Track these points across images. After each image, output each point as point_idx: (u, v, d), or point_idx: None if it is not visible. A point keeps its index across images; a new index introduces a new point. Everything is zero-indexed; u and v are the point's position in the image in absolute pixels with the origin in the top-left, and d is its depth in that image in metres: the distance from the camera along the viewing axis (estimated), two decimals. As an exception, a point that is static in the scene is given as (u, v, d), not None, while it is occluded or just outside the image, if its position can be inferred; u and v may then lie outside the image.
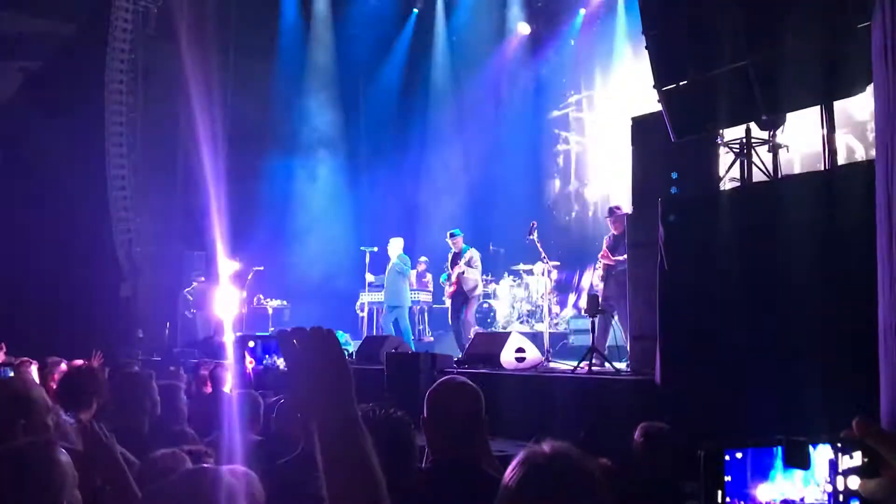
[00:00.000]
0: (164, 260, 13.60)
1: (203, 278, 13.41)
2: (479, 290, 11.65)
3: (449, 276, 11.35)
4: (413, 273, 13.18)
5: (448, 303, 11.51)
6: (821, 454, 1.09)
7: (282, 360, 1.41)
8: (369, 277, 12.92)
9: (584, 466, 1.54)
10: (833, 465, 1.09)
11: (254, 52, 15.32)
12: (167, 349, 12.36)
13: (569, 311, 13.00)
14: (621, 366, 7.48)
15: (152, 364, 9.54)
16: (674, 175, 6.21)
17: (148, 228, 13.58)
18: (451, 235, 11.51)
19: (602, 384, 6.76)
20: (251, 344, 7.93)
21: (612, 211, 9.23)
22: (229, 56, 14.79)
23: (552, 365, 8.39)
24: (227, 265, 12.98)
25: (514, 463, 1.55)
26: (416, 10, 17.07)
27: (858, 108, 9.38)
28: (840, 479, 1.08)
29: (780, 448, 1.08)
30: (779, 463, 1.08)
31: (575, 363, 7.78)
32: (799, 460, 1.07)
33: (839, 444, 1.08)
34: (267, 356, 7.11)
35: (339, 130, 16.13)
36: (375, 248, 12.87)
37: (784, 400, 4.63)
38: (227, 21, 14.50)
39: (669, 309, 5.98)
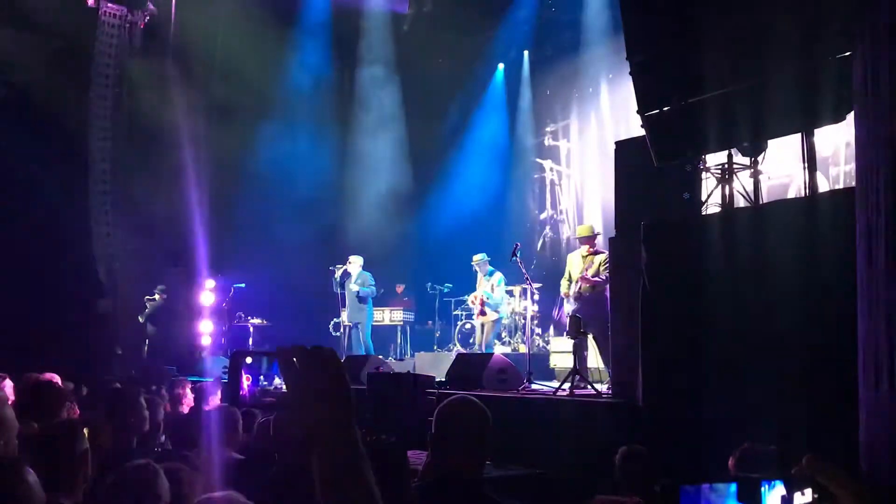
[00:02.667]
0: (144, 276, 13.49)
1: (165, 295, 13.32)
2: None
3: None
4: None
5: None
6: (774, 491, 1.11)
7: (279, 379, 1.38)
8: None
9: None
10: (785, 501, 1.11)
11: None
12: (144, 366, 12.23)
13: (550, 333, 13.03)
14: (603, 388, 7.50)
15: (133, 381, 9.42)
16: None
17: (129, 244, 13.47)
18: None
19: (583, 406, 6.77)
20: (248, 360, 7.71)
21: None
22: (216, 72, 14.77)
23: (534, 387, 8.39)
24: (207, 286, 12.96)
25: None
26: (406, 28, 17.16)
27: (822, 144, 9.56)
28: None
29: (734, 485, 1.11)
30: (732, 500, 1.10)
31: (556, 385, 7.79)
32: (750, 497, 1.10)
33: (791, 481, 1.10)
34: (262, 377, 6.98)
35: (321, 148, 16.12)
36: (343, 267, 12.85)
37: (766, 422, 4.66)
38: (215, 37, 14.49)
39: (651, 331, 6.02)
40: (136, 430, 4.13)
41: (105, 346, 12.70)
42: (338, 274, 12.66)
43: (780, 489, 1.12)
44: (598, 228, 10.24)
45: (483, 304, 11.56)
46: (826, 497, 1.05)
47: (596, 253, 9.07)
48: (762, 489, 1.11)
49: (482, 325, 11.76)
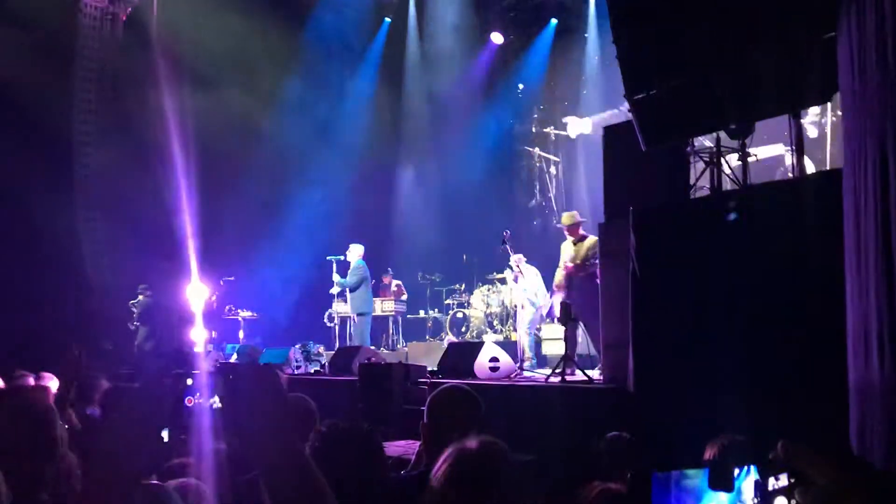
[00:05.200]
0: (132, 271, 13.41)
1: (150, 292, 13.25)
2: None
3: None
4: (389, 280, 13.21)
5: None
6: (749, 478, 1.10)
7: (217, 399, 1.33)
8: (336, 278, 12.87)
9: (508, 459, 1.62)
10: (759, 486, 1.09)
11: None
12: (136, 361, 12.18)
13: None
14: (594, 373, 7.50)
15: (123, 377, 9.36)
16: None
17: (117, 238, 13.38)
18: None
19: (575, 393, 6.77)
20: (189, 382, 7.19)
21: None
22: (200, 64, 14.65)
23: (526, 374, 8.39)
24: (196, 287, 12.88)
25: (443, 457, 1.59)
26: (387, 20, 17.08)
27: (809, 126, 9.58)
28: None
29: (705, 471, 1.09)
30: (704, 484, 1.09)
31: (548, 371, 7.78)
32: (723, 483, 1.08)
33: (765, 467, 1.09)
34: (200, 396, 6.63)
35: (313, 139, 16.04)
36: (342, 257, 12.86)
37: (756, 406, 4.65)
38: (200, 27, 14.36)
39: (641, 316, 6.01)
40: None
41: (95, 340, 12.63)
42: (335, 266, 12.66)
43: (753, 475, 1.10)
44: (587, 215, 10.21)
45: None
46: (802, 482, 1.03)
47: (582, 239, 9.06)
48: (735, 474, 1.09)
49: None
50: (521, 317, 10.49)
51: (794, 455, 1.04)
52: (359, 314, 12.30)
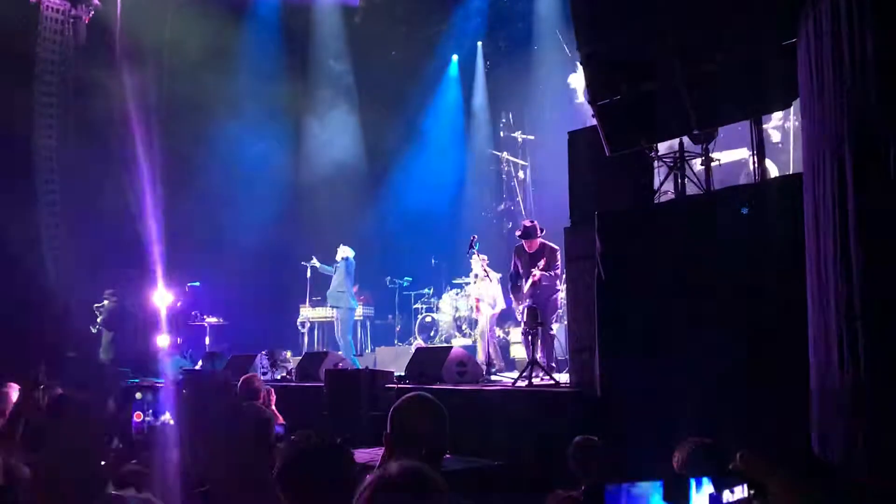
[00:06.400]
0: (96, 276, 13.19)
1: (115, 297, 13.05)
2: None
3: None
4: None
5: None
6: (703, 489, 1.09)
7: (168, 415, 1.31)
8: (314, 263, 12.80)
9: (433, 481, 1.60)
10: (714, 499, 1.09)
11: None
12: (98, 369, 11.98)
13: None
14: (562, 377, 7.52)
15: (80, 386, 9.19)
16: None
17: (79, 244, 13.15)
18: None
19: (542, 398, 6.78)
20: (139, 396, 6.49)
21: (526, 228, 9.22)
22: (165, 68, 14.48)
23: (493, 378, 8.39)
24: (161, 293, 12.72)
25: (365, 482, 1.58)
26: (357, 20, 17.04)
27: (772, 131, 9.70)
28: None
29: (658, 483, 1.08)
30: (657, 500, 1.08)
31: (516, 376, 7.79)
32: (678, 496, 1.07)
33: (720, 479, 1.08)
34: (150, 412, 6.18)
35: (280, 142, 15.92)
36: (316, 263, 12.81)
37: (723, 409, 4.70)
38: (163, 31, 14.20)
39: (608, 321, 6.03)
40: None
41: (57, 348, 12.40)
42: (317, 263, 12.59)
43: (708, 487, 1.09)
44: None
45: (478, 300, 11.12)
46: (762, 494, 1.02)
47: (542, 248, 9.00)
48: (690, 487, 1.08)
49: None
50: (481, 321, 10.54)
51: (754, 466, 1.03)
52: (348, 308, 12.26)
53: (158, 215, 12.32)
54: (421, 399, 2.79)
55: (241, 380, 6.37)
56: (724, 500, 1.07)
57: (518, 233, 9.34)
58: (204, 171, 14.28)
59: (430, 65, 16.47)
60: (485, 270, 10.19)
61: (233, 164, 14.85)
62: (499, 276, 11.59)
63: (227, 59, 14.71)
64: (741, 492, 1.07)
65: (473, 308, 10.79)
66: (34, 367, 6.50)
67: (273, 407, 6.37)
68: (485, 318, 10.44)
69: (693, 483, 1.07)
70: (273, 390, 6.62)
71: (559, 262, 8.68)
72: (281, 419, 6.30)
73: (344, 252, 12.28)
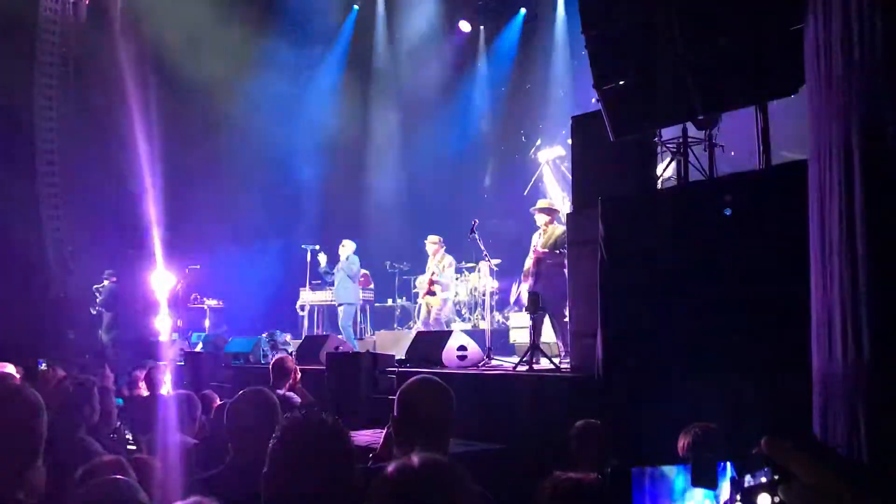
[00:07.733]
0: (97, 258, 13.19)
1: (115, 278, 13.05)
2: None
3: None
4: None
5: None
6: (727, 473, 1.08)
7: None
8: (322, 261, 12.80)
9: (454, 473, 1.57)
10: (736, 483, 1.08)
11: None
12: (99, 350, 12.01)
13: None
14: (562, 363, 7.53)
15: (80, 365, 9.22)
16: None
17: (81, 226, 13.14)
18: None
19: (543, 382, 6.80)
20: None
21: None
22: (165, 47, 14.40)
23: (494, 362, 8.40)
24: (161, 275, 12.71)
25: (385, 474, 1.54)
26: (356, 7, 16.95)
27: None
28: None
29: (681, 467, 1.08)
30: (680, 482, 1.07)
31: (516, 360, 7.80)
32: (706, 480, 1.06)
33: (742, 463, 1.07)
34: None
35: (280, 126, 15.87)
36: (317, 247, 12.79)
37: (724, 394, 4.70)
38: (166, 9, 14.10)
39: (609, 305, 6.04)
40: (86, 421, 4.01)
41: (58, 329, 12.43)
42: (323, 262, 12.57)
43: (730, 472, 1.08)
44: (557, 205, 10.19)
45: (431, 283, 11.44)
46: (786, 479, 1.01)
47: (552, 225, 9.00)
48: (717, 471, 1.08)
49: (427, 306, 11.66)
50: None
51: (778, 451, 1.02)
52: (349, 304, 12.30)
53: (158, 197, 12.30)
54: (428, 382, 2.80)
55: (274, 360, 6.60)
56: (745, 485, 1.07)
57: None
58: (205, 152, 14.24)
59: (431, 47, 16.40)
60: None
61: (234, 146, 14.80)
62: (498, 261, 11.63)
63: (229, 42, 14.62)
64: (762, 477, 1.07)
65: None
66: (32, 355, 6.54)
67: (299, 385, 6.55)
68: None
69: (720, 467, 1.07)
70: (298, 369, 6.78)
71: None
72: (310, 397, 6.53)
73: (347, 251, 12.28)
